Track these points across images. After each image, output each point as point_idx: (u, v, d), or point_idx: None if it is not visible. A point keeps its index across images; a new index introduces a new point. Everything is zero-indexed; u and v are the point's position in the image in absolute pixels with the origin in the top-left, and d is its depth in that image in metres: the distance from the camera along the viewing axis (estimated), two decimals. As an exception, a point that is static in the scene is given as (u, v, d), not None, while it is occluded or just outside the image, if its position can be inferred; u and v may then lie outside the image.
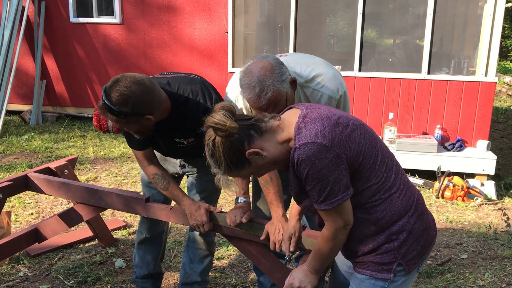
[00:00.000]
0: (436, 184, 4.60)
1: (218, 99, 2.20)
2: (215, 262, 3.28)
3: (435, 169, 4.79)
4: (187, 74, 2.31)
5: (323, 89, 2.19)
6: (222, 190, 2.57)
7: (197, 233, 2.57)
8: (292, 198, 1.78)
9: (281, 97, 1.94)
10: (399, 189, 1.62)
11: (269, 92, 1.91)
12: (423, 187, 4.76)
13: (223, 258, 3.34)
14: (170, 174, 2.44)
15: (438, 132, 5.16)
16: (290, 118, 1.59)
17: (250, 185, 2.43)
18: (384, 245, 1.62)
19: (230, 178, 1.63)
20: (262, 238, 2.13)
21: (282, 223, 2.08)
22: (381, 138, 5.11)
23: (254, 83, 1.91)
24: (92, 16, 6.87)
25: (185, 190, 2.57)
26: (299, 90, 2.19)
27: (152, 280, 2.82)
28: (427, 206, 1.94)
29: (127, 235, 3.64)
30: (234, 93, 2.24)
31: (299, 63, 2.24)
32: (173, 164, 2.56)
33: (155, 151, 2.39)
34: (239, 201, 2.22)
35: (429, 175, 4.95)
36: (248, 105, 2.08)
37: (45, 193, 2.70)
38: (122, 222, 3.79)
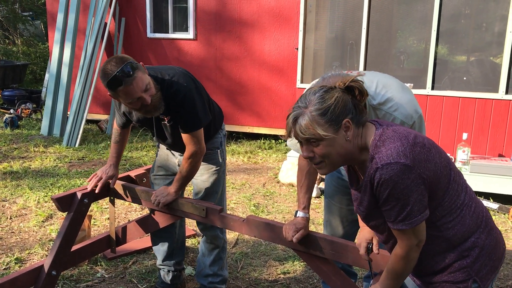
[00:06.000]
0: (513, 209, 4.39)
1: (187, 86, 2.42)
2: (281, 276, 3.31)
3: (511, 193, 4.57)
4: (175, 66, 2.59)
5: (396, 113, 2.18)
6: (225, 191, 2.86)
7: (201, 228, 2.84)
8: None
9: None
10: (469, 206, 1.63)
11: None
12: (498, 212, 4.56)
13: (289, 273, 3.37)
14: (170, 174, 2.83)
15: (515, 154, 4.94)
16: (367, 131, 1.63)
17: (315, 200, 2.45)
18: (456, 262, 1.62)
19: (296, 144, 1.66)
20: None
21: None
22: (452, 158, 4.96)
23: None
24: (168, 32, 7.20)
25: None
26: (371, 111, 2.20)
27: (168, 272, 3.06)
28: (502, 232, 1.89)
29: (196, 244, 3.76)
30: None
31: (375, 83, 2.24)
32: (173, 164, 2.84)
33: (160, 152, 2.88)
34: (297, 215, 2.23)
35: (505, 200, 4.73)
36: None
37: (125, 200, 2.86)
38: (192, 231, 3.92)
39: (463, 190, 1.65)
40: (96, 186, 2.72)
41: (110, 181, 2.78)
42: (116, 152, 2.81)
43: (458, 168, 4.78)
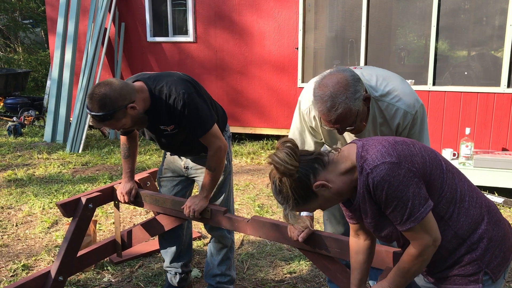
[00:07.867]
0: (518, 203, 4.37)
1: (185, 92, 2.40)
2: (287, 275, 3.31)
3: (516, 187, 4.56)
4: (172, 72, 2.57)
5: (399, 103, 2.18)
6: (231, 191, 2.89)
7: (208, 228, 2.87)
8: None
9: (351, 114, 1.97)
10: (471, 196, 1.64)
11: (340, 108, 1.94)
12: (503, 206, 4.55)
13: (295, 272, 3.37)
14: (177, 176, 2.83)
15: (519, 148, 4.93)
16: (349, 149, 1.65)
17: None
18: (466, 255, 1.62)
19: (297, 213, 1.68)
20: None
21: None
22: (456, 153, 4.95)
23: (326, 97, 1.94)
24: (167, 35, 7.21)
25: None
26: (374, 103, 2.19)
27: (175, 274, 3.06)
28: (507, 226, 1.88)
29: (202, 246, 3.77)
30: (307, 103, 2.29)
31: (374, 76, 2.24)
32: (179, 167, 2.84)
33: (167, 155, 2.86)
34: (302, 214, 2.24)
35: (510, 193, 4.72)
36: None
37: (130, 204, 2.87)
38: (197, 233, 3.92)
39: (461, 180, 1.66)
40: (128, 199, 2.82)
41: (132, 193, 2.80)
42: (128, 167, 2.82)
43: (462, 163, 4.79)
